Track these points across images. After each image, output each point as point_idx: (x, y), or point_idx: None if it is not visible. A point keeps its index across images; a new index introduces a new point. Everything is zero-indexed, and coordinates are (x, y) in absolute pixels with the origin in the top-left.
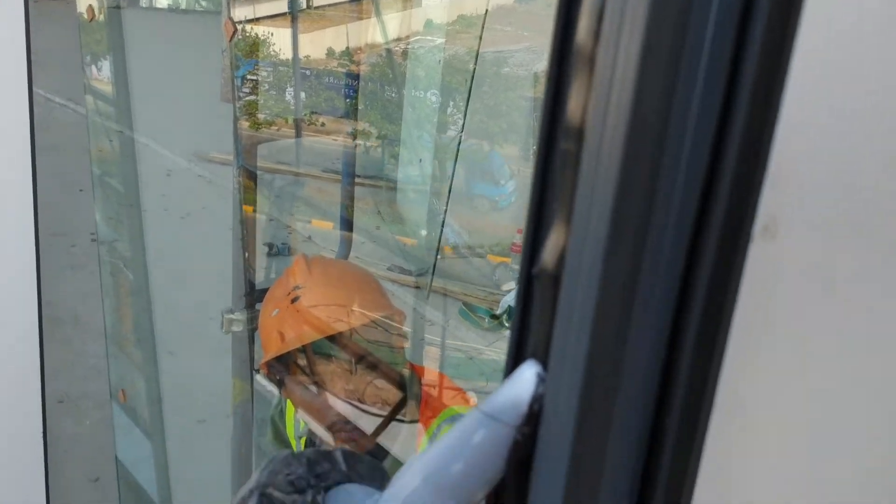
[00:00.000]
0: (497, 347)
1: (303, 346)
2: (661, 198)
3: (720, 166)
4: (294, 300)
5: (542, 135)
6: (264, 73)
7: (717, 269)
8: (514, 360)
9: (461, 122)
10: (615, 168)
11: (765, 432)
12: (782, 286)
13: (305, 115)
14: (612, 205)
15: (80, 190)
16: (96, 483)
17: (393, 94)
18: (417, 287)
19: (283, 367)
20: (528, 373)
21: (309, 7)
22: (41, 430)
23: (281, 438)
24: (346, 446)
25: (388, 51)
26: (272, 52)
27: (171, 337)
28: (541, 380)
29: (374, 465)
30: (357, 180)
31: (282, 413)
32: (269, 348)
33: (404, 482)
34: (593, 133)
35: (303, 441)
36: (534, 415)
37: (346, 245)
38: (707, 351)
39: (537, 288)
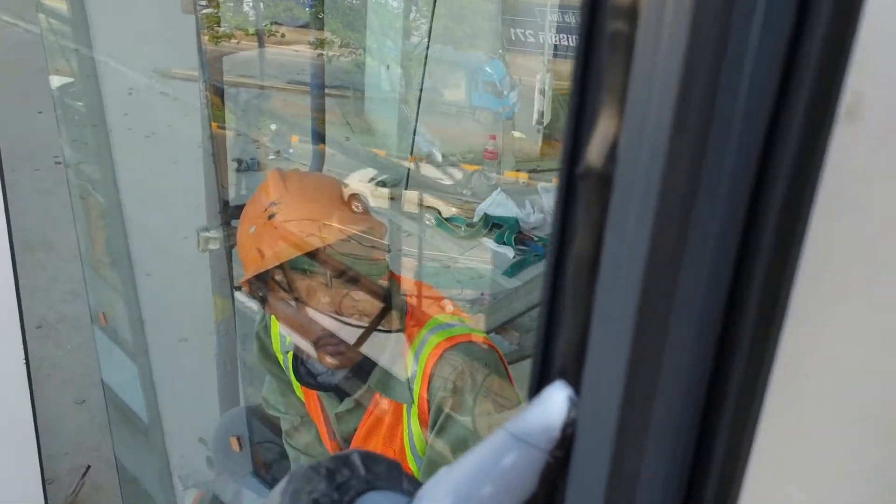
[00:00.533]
0: (472, 256)
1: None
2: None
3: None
4: (271, 217)
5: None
6: None
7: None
8: (541, 377)
9: (426, 28)
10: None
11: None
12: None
13: (266, 26)
14: (672, 105)
15: (39, 112)
16: (83, 405)
17: (355, 0)
18: (392, 198)
19: (263, 283)
20: (559, 396)
21: None
22: (23, 356)
23: (267, 353)
24: (331, 359)
25: None
26: None
27: (147, 258)
28: (573, 404)
29: (390, 465)
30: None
31: (266, 328)
32: (248, 266)
33: (432, 500)
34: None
35: (290, 355)
36: (566, 438)
37: (319, 158)
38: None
39: (569, 290)
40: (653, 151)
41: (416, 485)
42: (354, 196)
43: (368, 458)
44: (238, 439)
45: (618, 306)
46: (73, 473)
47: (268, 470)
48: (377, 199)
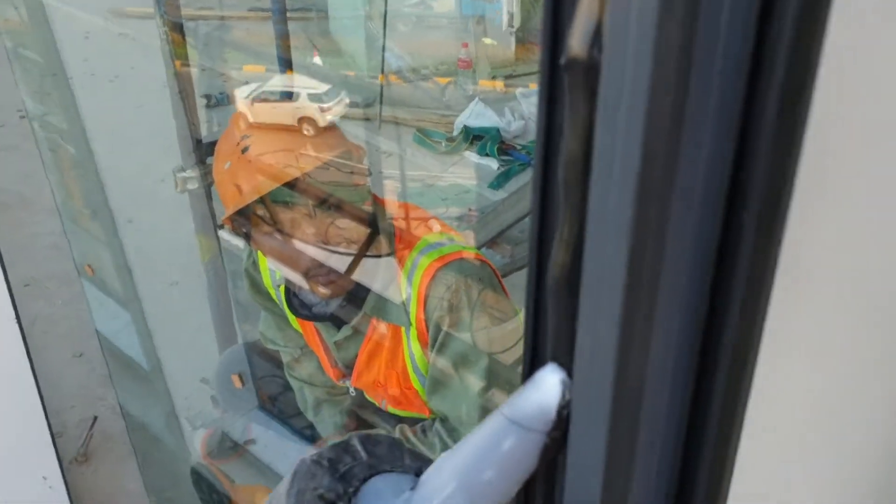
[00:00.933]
0: (455, 171)
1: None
2: None
3: None
4: (244, 150)
5: None
6: None
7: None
8: (532, 361)
9: None
10: None
11: None
12: None
13: None
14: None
15: None
16: (82, 358)
17: None
18: (367, 119)
19: (245, 219)
20: (552, 380)
21: None
22: (13, 314)
23: (258, 289)
24: (324, 289)
25: None
26: None
27: (126, 204)
28: (566, 386)
29: (391, 444)
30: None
31: (255, 264)
32: (228, 203)
33: (437, 485)
34: None
35: (281, 289)
36: (562, 420)
37: None
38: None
39: (552, 278)
40: (642, 32)
41: (418, 460)
42: (306, 119)
43: (368, 441)
44: (240, 376)
45: (612, 216)
46: (82, 425)
47: (273, 403)
48: (350, 121)
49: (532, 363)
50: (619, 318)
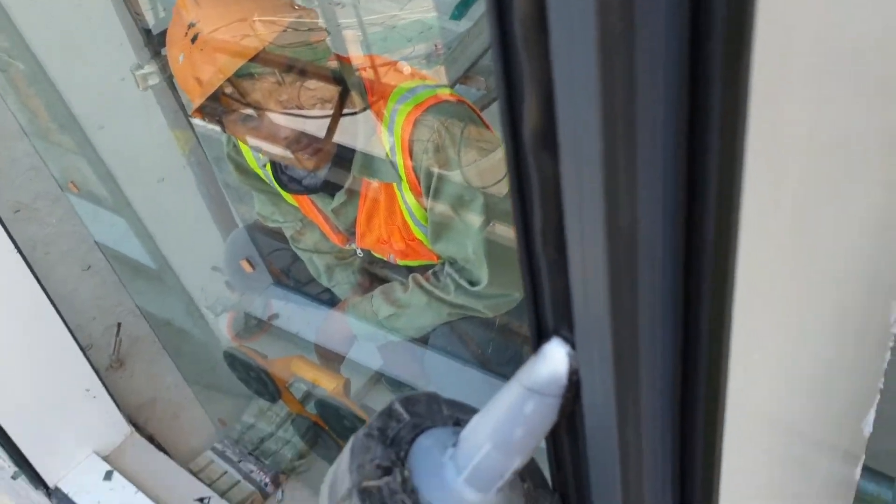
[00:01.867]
0: (413, 7)
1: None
2: None
3: None
4: (194, 39)
5: None
6: None
7: None
8: (538, 334)
9: None
10: None
11: None
12: None
13: None
14: None
15: None
16: (90, 270)
17: None
18: None
19: (215, 105)
20: (559, 353)
21: None
22: (11, 245)
23: (245, 172)
24: (308, 159)
25: None
26: None
27: (92, 112)
28: (572, 357)
29: (428, 399)
30: None
31: (236, 148)
32: (192, 96)
33: (475, 444)
34: None
35: (268, 168)
36: (573, 384)
37: None
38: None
39: (544, 262)
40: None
41: (455, 407)
42: None
43: (409, 402)
44: (248, 261)
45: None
46: (107, 334)
47: (286, 275)
48: None
49: (538, 333)
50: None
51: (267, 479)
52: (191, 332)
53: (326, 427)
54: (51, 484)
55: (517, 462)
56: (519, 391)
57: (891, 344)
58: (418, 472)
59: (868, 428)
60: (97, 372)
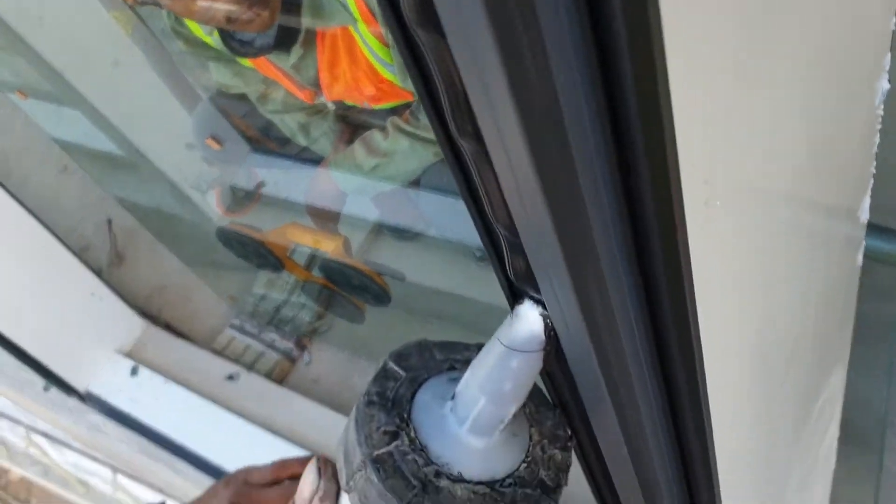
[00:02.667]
0: None
1: None
2: None
3: None
4: None
5: None
6: None
7: None
8: (511, 295)
9: None
10: None
11: None
12: None
13: None
14: None
15: None
16: (66, 171)
17: None
18: None
19: None
20: (533, 314)
21: None
22: None
23: (194, 43)
24: (252, 18)
25: None
26: None
27: (27, 5)
28: (545, 316)
29: (418, 349)
30: None
31: (178, 20)
32: None
33: (470, 400)
34: None
35: (216, 34)
36: (552, 337)
37: None
38: None
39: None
40: None
41: (445, 349)
42: None
43: (400, 358)
44: (214, 138)
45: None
46: (100, 231)
47: (266, 135)
48: None
49: (511, 294)
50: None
51: (291, 345)
52: (181, 215)
53: (336, 288)
54: (81, 389)
55: (513, 408)
56: (502, 350)
57: (878, 126)
58: (423, 428)
59: (865, 215)
60: (98, 274)
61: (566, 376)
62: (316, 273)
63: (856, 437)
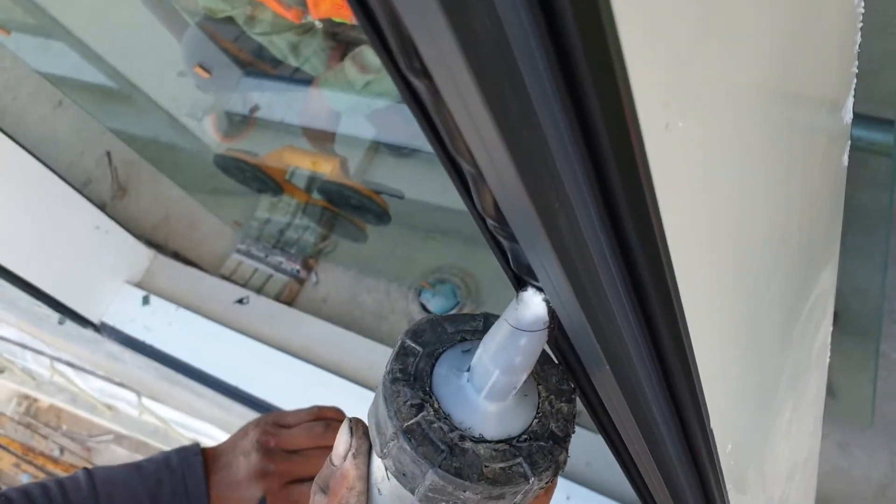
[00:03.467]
0: None
1: None
2: None
3: None
4: None
5: None
6: None
7: None
8: (515, 281)
9: None
10: None
11: None
12: None
13: None
14: None
15: None
16: (61, 106)
17: None
18: None
19: None
20: (536, 299)
21: None
22: None
23: None
24: None
25: None
26: None
27: None
28: (547, 301)
29: (430, 324)
30: None
31: None
32: None
33: (484, 373)
34: None
35: None
36: (555, 317)
37: None
38: None
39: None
40: None
41: (455, 321)
42: None
43: (416, 335)
44: (202, 66)
45: None
46: (101, 164)
47: (259, 57)
48: None
49: (515, 281)
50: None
51: (297, 267)
52: (179, 144)
53: (336, 209)
54: (95, 321)
55: (524, 377)
56: (510, 330)
57: (860, 25)
58: (444, 399)
59: (848, 115)
60: (101, 207)
61: (563, 336)
62: (315, 195)
63: (852, 326)
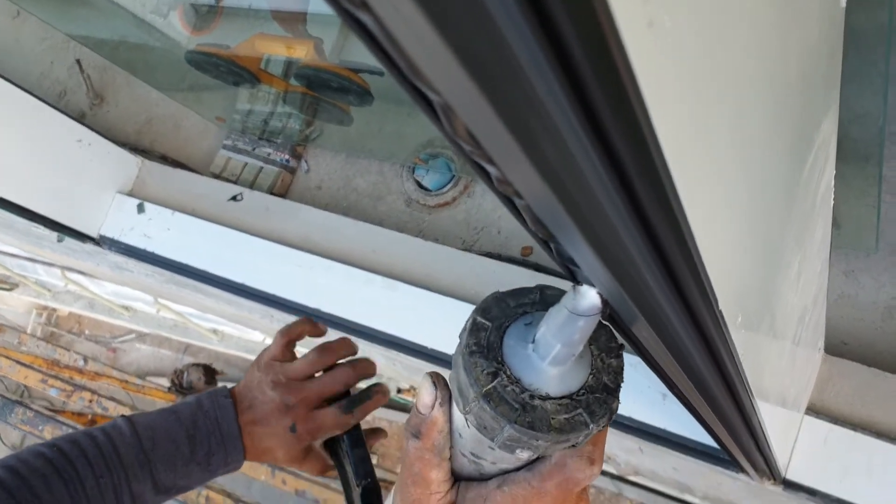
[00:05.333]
0: None
1: None
2: None
3: None
4: None
5: None
6: None
7: None
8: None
9: None
10: None
11: None
12: None
13: None
14: None
15: None
16: (20, 16)
17: None
18: None
19: None
20: (591, 292)
21: None
22: None
23: None
24: None
25: None
26: None
27: None
28: (601, 294)
29: (495, 301)
30: None
31: None
32: None
33: (547, 345)
34: None
35: None
36: (608, 303)
37: None
38: None
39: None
40: None
41: (514, 296)
42: None
43: (485, 312)
44: None
45: None
46: (73, 73)
47: None
48: None
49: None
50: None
51: (286, 156)
52: (149, 44)
53: (317, 94)
54: (94, 235)
55: (581, 347)
56: (569, 315)
57: None
58: (514, 366)
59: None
60: (80, 119)
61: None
62: (294, 82)
63: (853, 154)
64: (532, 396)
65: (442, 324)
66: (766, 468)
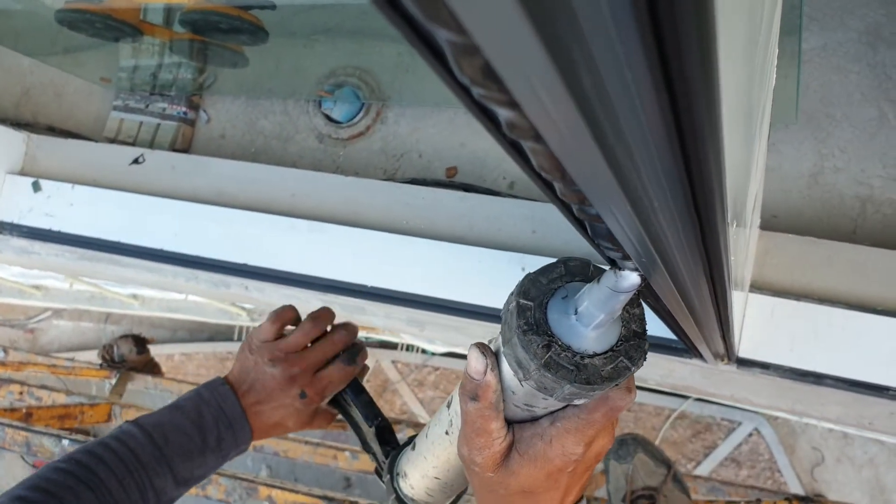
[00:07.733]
0: None
1: None
2: None
3: None
4: None
5: None
6: None
7: None
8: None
9: None
10: None
11: None
12: None
13: None
14: None
15: None
16: None
17: None
18: None
19: None
20: (633, 274)
21: None
22: None
23: None
24: None
25: None
26: None
27: None
28: (639, 272)
29: (532, 281)
30: None
31: None
32: None
33: (590, 315)
34: None
35: None
36: (645, 280)
37: None
38: None
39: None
40: None
41: (545, 273)
42: None
43: (526, 294)
44: None
45: None
46: None
47: None
48: None
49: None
50: None
51: (183, 109)
52: (12, 7)
53: (206, 39)
54: None
55: (619, 314)
56: (611, 293)
57: None
58: (563, 336)
59: None
60: None
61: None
62: (179, 29)
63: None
64: (582, 357)
65: (377, 259)
66: (725, 351)
